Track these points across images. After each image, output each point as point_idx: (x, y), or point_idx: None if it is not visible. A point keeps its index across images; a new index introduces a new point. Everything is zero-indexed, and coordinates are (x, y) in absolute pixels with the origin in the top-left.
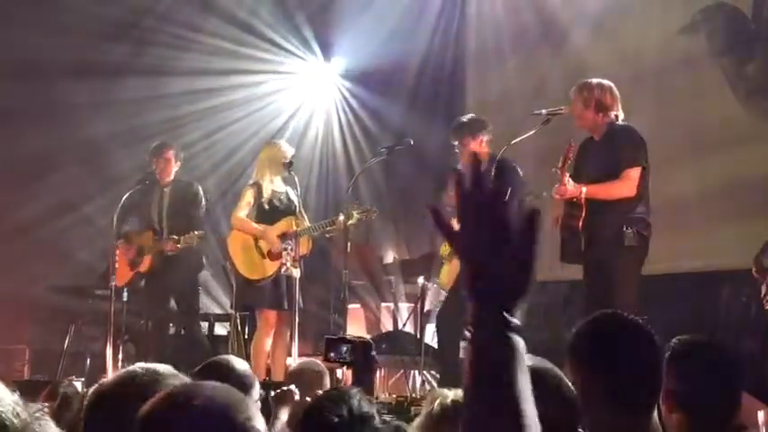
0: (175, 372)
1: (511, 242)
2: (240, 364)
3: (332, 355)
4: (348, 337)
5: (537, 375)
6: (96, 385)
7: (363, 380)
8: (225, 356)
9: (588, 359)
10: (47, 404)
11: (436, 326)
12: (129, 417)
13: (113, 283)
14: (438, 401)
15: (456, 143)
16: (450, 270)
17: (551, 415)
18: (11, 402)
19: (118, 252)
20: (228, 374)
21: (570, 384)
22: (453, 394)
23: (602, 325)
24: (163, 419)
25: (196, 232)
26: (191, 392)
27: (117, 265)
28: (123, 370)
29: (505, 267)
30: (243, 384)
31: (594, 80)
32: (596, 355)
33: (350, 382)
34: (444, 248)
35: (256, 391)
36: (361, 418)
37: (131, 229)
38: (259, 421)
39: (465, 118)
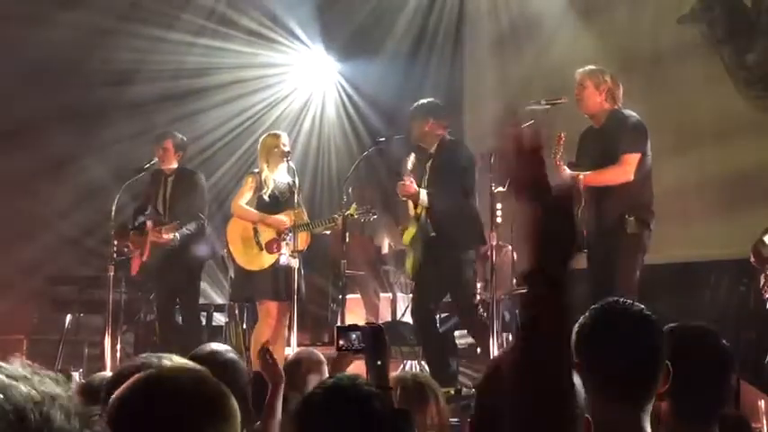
0: (191, 363)
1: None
2: (226, 350)
3: (342, 343)
4: (358, 324)
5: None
6: (113, 374)
7: (375, 366)
8: (211, 344)
9: (592, 349)
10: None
11: (412, 316)
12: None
13: (111, 273)
14: (399, 387)
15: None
16: (413, 259)
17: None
18: (66, 401)
19: (131, 243)
20: (215, 362)
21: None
22: (411, 375)
23: (606, 314)
24: (138, 401)
25: (175, 222)
26: (161, 375)
27: (132, 255)
28: (140, 359)
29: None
30: (230, 370)
31: (607, 71)
32: (600, 345)
33: (348, 371)
34: (406, 238)
35: (244, 375)
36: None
37: (146, 219)
38: (232, 403)
39: (424, 100)
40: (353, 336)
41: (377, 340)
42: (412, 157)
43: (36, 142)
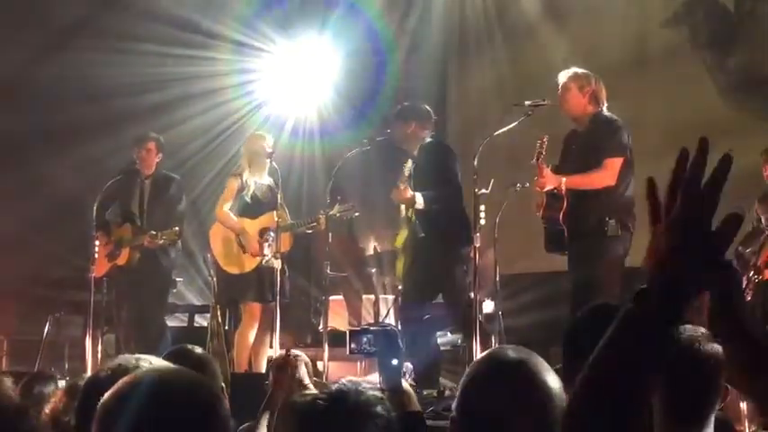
0: (167, 363)
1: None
2: (199, 351)
3: (353, 346)
4: (370, 327)
5: (524, 367)
6: (90, 376)
7: (387, 369)
8: (183, 345)
9: (581, 351)
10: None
11: (400, 319)
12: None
13: (93, 274)
14: None
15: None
16: (403, 261)
17: (538, 406)
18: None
19: (97, 243)
20: (189, 363)
21: (556, 376)
22: None
23: (596, 315)
24: (129, 405)
25: (175, 228)
26: (154, 378)
27: (96, 256)
28: (116, 361)
29: (698, 264)
30: (205, 370)
31: (589, 72)
32: (590, 346)
33: (331, 373)
34: (399, 240)
35: (219, 376)
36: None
37: (111, 220)
38: (225, 404)
39: (407, 104)
40: (364, 339)
41: (389, 343)
42: (410, 164)
43: (15, 150)
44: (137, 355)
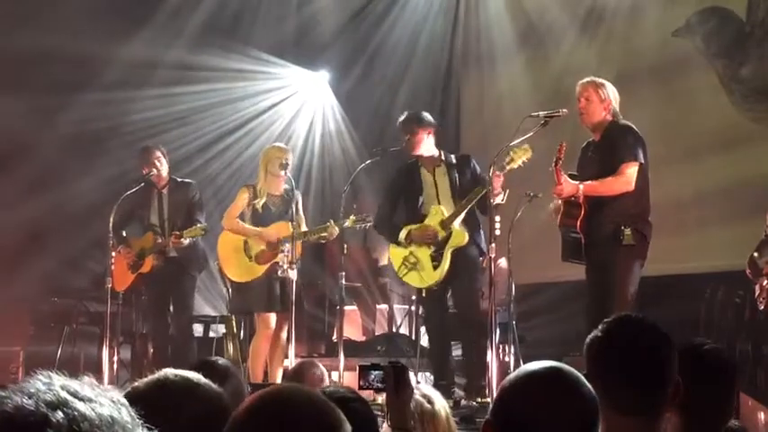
0: (207, 380)
1: None
2: (226, 364)
3: (361, 382)
4: (380, 363)
5: (558, 375)
6: (129, 389)
7: (393, 405)
8: (212, 358)
9: (605, 363)
10: None
11: (426, 329)
12: (159, 424)
13: (109, 286)
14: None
15: (407, 135)
16: (423, 271)
17: (572, 415)
18: (123, 428)
19: (115, 258)
20: (214, 374)
21: (589, 385)
22: (421, 394)
23: (621, 327)
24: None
25: (198, 225)
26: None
27: (114, 270)
28: (156, 375)
29: None
30: (231, 381)
31: (607, 83)
32: (614, 358)
33: (345, 383)
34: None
35: (244, 388)
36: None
37: (128, 235)
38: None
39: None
40: (373, 375)
41: (399, 380)
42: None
43: (36, 166)
44: (174, 370)
